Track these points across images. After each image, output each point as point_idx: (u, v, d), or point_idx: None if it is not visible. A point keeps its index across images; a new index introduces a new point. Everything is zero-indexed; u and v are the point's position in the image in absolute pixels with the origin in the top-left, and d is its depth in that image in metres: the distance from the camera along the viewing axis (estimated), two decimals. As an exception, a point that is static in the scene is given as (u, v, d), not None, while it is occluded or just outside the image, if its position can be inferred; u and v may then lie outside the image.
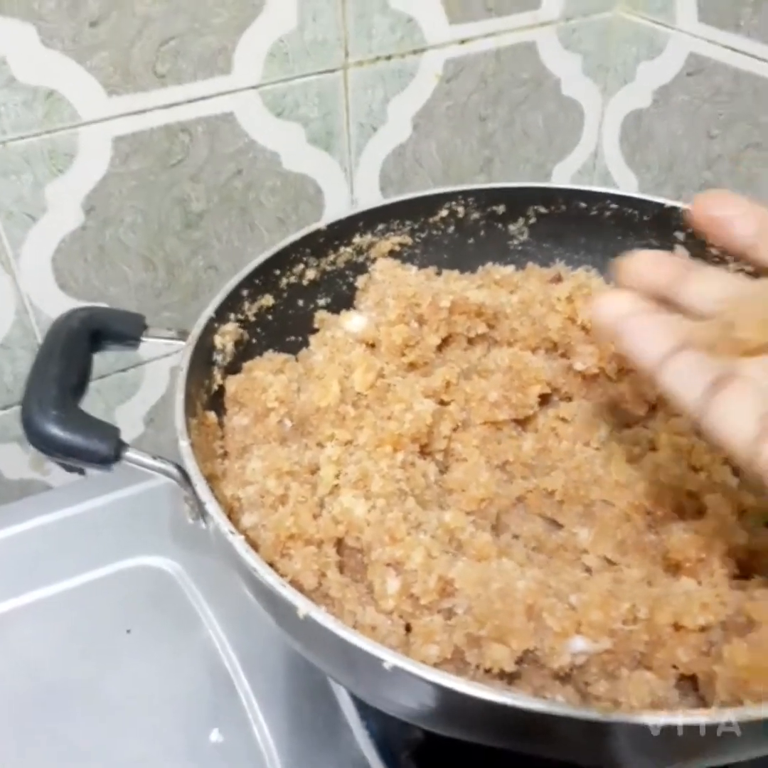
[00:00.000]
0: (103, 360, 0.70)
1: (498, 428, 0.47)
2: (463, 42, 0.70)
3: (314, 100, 0.67)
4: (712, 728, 0.27)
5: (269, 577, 0.32)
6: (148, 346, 0.71)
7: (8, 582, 0.52)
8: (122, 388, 0.73)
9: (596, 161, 0.83)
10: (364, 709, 0.44)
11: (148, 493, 0.58)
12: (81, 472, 0.74)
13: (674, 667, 0.32)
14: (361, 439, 0.44)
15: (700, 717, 0.27)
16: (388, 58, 0.68)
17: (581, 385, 0.49)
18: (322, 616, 0.31)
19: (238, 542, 0.34)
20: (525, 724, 0.29)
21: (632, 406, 0.47)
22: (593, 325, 0.30)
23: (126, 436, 0.75)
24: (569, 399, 0.49)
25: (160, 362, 0.74)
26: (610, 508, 0.42)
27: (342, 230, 0.53)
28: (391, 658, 0.29)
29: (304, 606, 0.31)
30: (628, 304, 0.29)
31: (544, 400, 0.49)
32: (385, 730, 0.43)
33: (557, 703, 0.29)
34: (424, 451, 0.45)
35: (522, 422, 0.48)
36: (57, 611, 0.51)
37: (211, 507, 0.35)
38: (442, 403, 0.47)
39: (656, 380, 0.27)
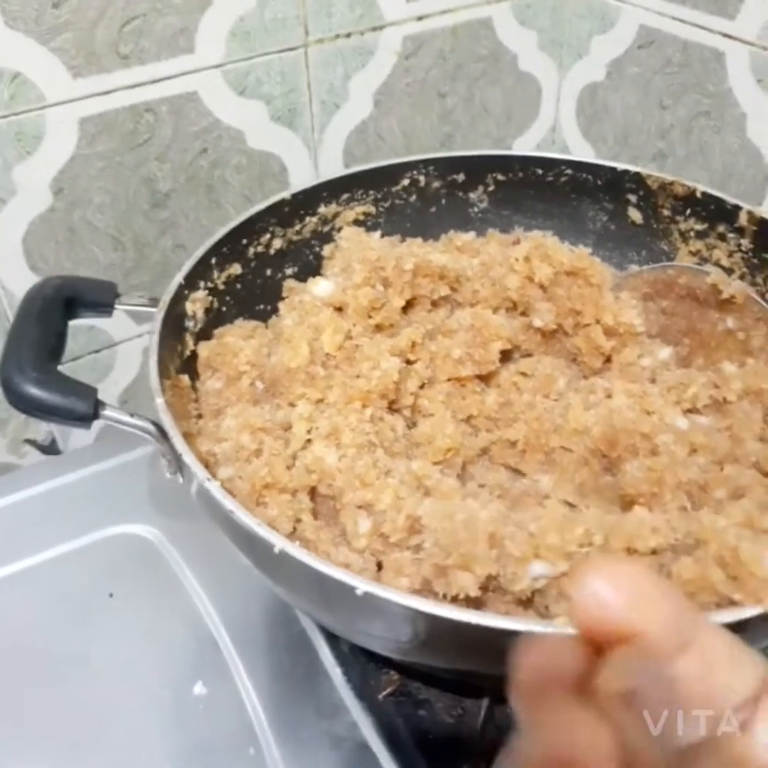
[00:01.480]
0: (75, 342, 0.72)
1: (462, 384, 0.49)
2: (420, 19, 0.72)
3: (276, 78, 0.68)
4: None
5: (245, 518, 0.34)
6: (120, 327, 0.73)
7: (-6, 553, 0.53)
8: (95, 369, 0.74)
9: (555, 135, 0.85)
10: (341, 657, 0.46)
11: (125, 466, 0.59)
12: (57, 453, 0.76)
13: (628, 586, 0.34)
14: (331, 398, 0.45)
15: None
16: (348, 35, 0.69)
17: (540, 341, 0.51)
18: (296, 550, 0.32)
19: (214, 488, 0.35)
20: (488, 644, 0.31)
21: (589, 359, 0.49)
22: None
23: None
24: (529, 355, 0.51)
25: (133, 343, 0.75)
26: (568, 454, 0.45)
27: (307, 200, 0.55)
28: (362, 585, 0.31)
29: (279, 542, 0.33)
30: None
31: (506, 356, 0.51)
32: (362, 675, 0.45)
33: (516, 619, 0.31)
34: (392, 408, 0.47)
35: (485, 378, 0.50)
36: (41, 580, 0.52)
37: (188, 458, 0.37)
38: (408, 362, 0.49)
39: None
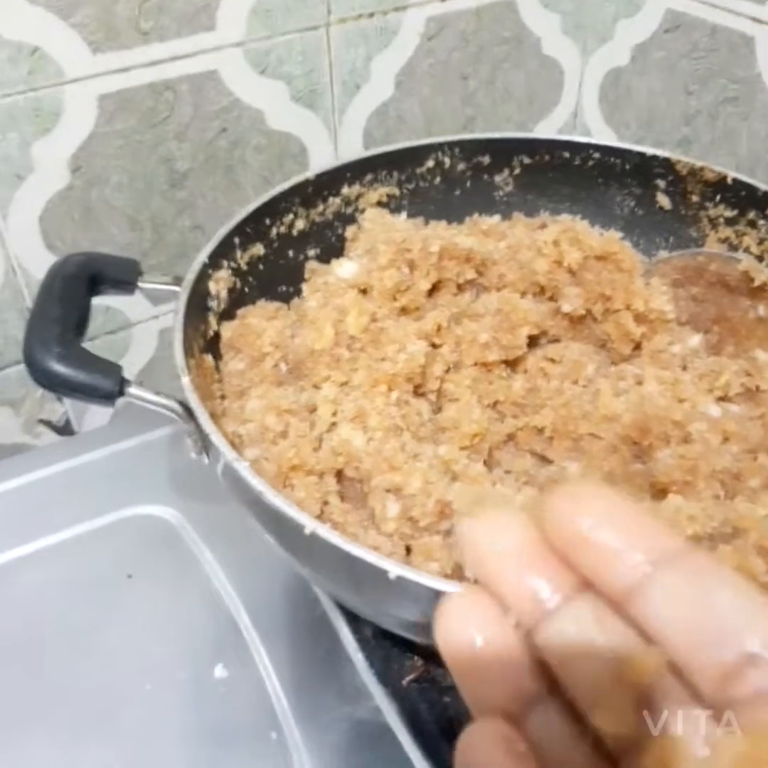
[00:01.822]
0: (91, 322, 0.71)
1: (488, 369, 0.48)
2: (443, 0, 0.71)
3: (297, 58, 0.67)
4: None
5: (275, 499, 0.33)
6: (137, 308, 0.72)
7: (11, 533, 0.52)
8: (112, 349, 0.74)
9: (576, 120, 0.84)
10: (364, 641, 0.46)
11: (145, 446, 0.58)
12: (71, 433, 0.75)
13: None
14: (356, 380, 0.45)
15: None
16: (371, 15, 0.68)
17: (568, 326, 0.50)
18: (327, 532, 0.32)
19: (243, 468, 0.35)
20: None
21: (618, 345, 0.48)
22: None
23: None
24: (557, 340, 0.50)
25: (148, 324, 0.74)
26: (597, 442, 0.44)
27: (330, 180, 0.54)
28: (395, 569, 0.30)
29: (310, 523, 0.32)
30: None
31: (533, 342, 0.50)
32: (385, 660, 0.45)
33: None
34: (418, 392, 0.47)
35: (512, 363, 0.49)
36: (58, 560, 0.52)
37: (216, 438, 0.36)
38: (434, 346, 0.48)
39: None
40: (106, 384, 0.37)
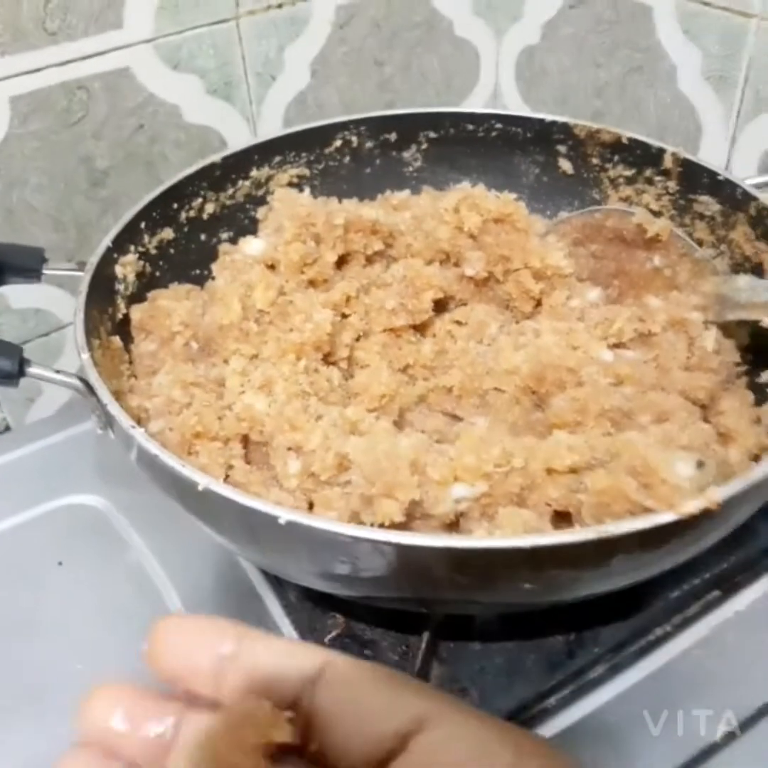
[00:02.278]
0: (24, 325, 0.71)
1: (398, 335, 0.49)
2: (351, -13, 0.72)
3: (209, 52, 0.68)
4: (575, 545, 0.30)
5: (170, 460, 0.34)
6: (68, 308, 0.73)
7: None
8: (47, 351, 0.74)
9: (496, 101, 0.86)
10: (289, 606, 0.47)
11: (72, 439, 0.59)
12: (6, 428, 0.75)
13: (548, 505, 0.34)
14: (265, 353, 0.46)
15: (565, 536, 0.30)
16: (279, 6, 0.69)
17: (474, 290, 0.51)
18: (219, 486, 0.33)
19: (138, 434, 0.35)
20: (409, 565, 0.31)
21: (520, 303, 0.50)
22: None
23: (54, 400, 0.76)
24: (464, 304, 0.52)
25: (82, 325, 0.74)
26: (501, 395, 0.45)
27: (238, 163, 0.55)
28: (285, 514, 0.31)
29: (203, 480, 0.33)
30: None
31: (441, 307, 0.51)
32: (309, 621, 0.45)
33: (434, 537, 0.31)
34: (329, 360, 0.48)
35: (420, 328, 0.50)
36: (-6, 550, 0.52)
37: (113, 408, 0.37)
38: (344, 316, 0.49)
39: None
40: (6, 365, 0.38)
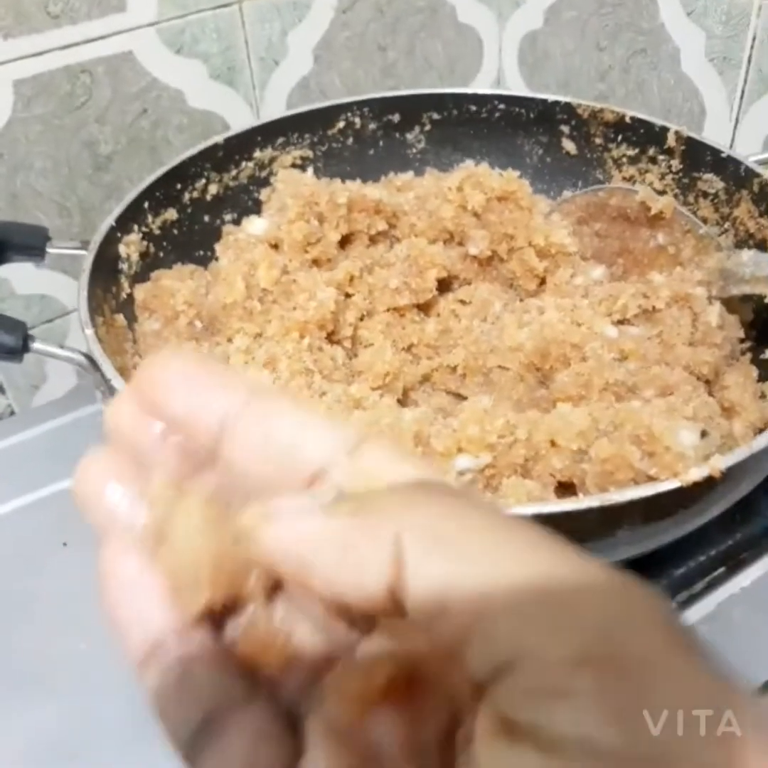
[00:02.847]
0: (28, 312, 0.72)
1: (401, 314, 0.49)
2: (355, -29, 0.72)
3: (212, 36, 0.68)
4: (579, 514, 0.30)
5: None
6: (73, 294, 0.73)
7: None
8: (51, 337, 0.74)
9: (500, 86, 0.86)
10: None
11: (77, 422, 0.59)
12: (11, 413, 0.75)
13: (552, 476, 0.34)
14: (269, 332, 0.46)
15: (568, 504, 0.30)
16: (283, -10, 0.69)
17: (478, 269, 0.51)
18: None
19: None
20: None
21: (524, 282, 0.49)
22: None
23: (59, 387, 0.76)
24: (468, 283, 0.52)
25: (87, 311, 0.75)
26: (505, 373, 0.45)
27: (241, 144, 0.55)
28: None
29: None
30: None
31: (445, 287, 0.51)
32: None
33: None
34: (332, 339, 0.48)
35: (424, 308, 0.50)
36: (-1, 532, 0.52)
37: (117, 382, 0.37)
38: (347, 295, 0.49)
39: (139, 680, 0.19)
40: (9, 340, 0.38)
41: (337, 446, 0.18)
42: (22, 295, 0.70)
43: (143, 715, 0.39)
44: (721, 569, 0.46)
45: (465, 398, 0.47)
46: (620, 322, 0.44)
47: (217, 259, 0.53)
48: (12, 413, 0.75)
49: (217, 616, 0.19)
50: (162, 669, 0.19)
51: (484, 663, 0.15)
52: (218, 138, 0.54)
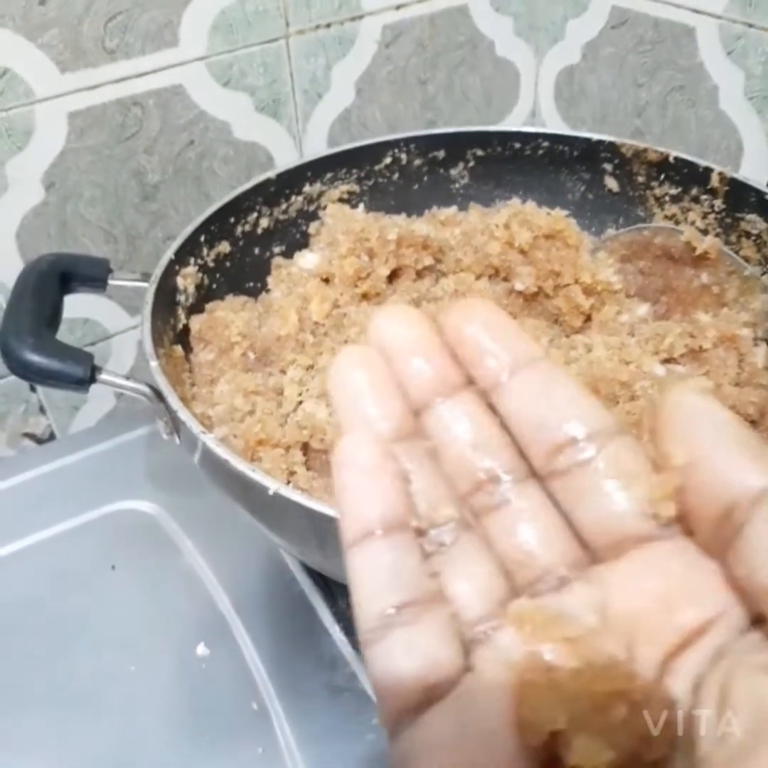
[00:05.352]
0: (72, 335, 0.73)
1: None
2: (398, 8, 0.73)
3: (259, 70, 0.70)
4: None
5: (240, 465, 0.35)
6: (115, 319, 0.74)
7: (2, 531, 0.54)
8: (93, 361, 0.76)
9: (535, 119, 0.87)
10: (339, 614, 0.47)
11: (123, 446, 0.61)
12: (39, 442, 0.77)
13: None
14: (321, 363, 0.47)
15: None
16: (328, 26, 0.71)
17: (523, 304, 0.52)
18: (289, 491, 0.34)
19: (209, 439, 0.36)
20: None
21: (569, 318, 0.50)
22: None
23: (97, 409, 0.77)
24: (514, 318, 0.52)
25: (127, 335, 0.76)
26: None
27: (291, 179, 0.56)
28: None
29: (273, 484, 0.34)
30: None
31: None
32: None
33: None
34: (382, 372, 0.49)
35: (470, 342, 0.51)
36: (44, 556, 0.53)
37: (183, 414, 0.38)
38: (396, 329, 0.50)
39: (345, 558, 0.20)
40: (77, 371, 0.39)
41: (600, 428, 0.20)
42: (66, 319, 0.71)
43: (188, 736, 0.41)
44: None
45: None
46: (667, 361, 0.45)
47: (268, 290, 0.55)
48: (52, 434, 0.76)
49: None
50: (369, 554, 0.20)
51: None
52: (270, 174, 0.55)
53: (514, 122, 0.86)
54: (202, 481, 0.41)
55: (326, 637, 0.46)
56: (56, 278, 0.44)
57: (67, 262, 0.46)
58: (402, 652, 0.18)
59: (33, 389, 0.72)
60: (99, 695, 0.46)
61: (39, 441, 0.76)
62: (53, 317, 0.42)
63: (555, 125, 0.85)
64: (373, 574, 0.19)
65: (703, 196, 0.55)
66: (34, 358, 0.39)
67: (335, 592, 0.48)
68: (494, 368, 0.20)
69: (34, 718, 0.45)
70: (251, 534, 0.40)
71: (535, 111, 0.87)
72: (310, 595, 0.49)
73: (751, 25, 0.64)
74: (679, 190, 0.57)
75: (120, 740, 0.44)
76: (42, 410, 0.74)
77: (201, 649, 0.47)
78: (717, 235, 0.55)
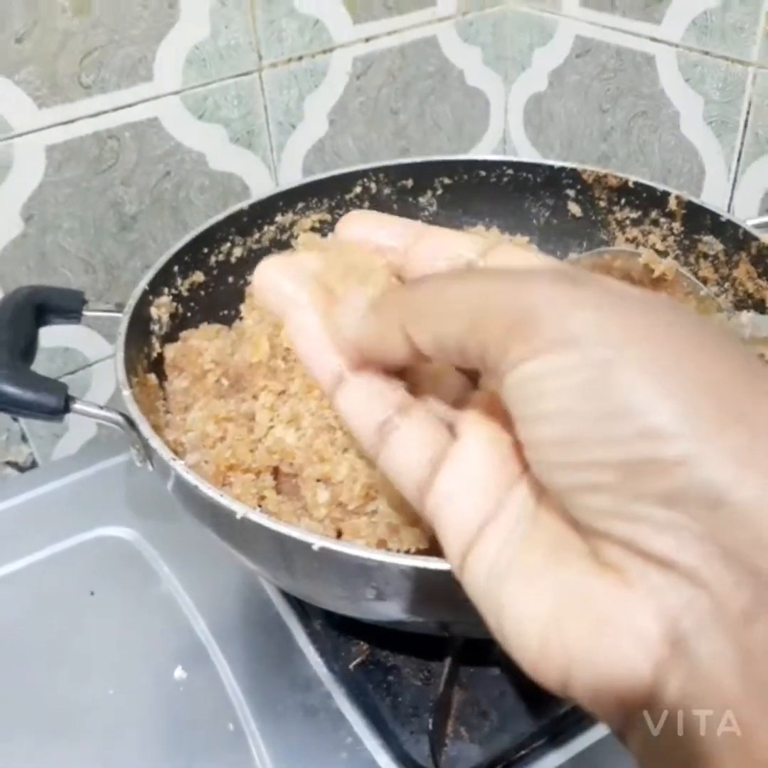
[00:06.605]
0: (52, 364, 0.74)
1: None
2: (368, 40, 0.76)
3: (233, 102, 0.72)
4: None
5: (208, 490, 0.36)
6: (94, 347, 0.76)
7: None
8: (73, 390, 0.76)
9: (506, 146, 0.89)
10: (314, 634, 0.48)
11: (101, 474, 0.61)
12: (21, 470, 0.77)
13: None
14: (292, 389, 0.48)
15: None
16: (300, 58, 0.73)
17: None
18: (257, 515, 0.35)
19: (179, 466, 0.38)
20: (433, 589, 0.33)
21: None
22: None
23: (78, 437, 0.78)
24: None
25: (106, 363, 0.77)
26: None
27: (264, 209, 0.58)
28: (318, 541, 0.33)
29: (240, 509, 0.35)
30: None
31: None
32: (333, 649, 0.47)
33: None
34: (352, 396, 0.50)
35: (439, 365, 0.52)
36: (23, 583, 0.54)
37: (154, 442, 0.39)
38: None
39: (332, 404, 0.27)
40: (51, 401, 0.41)
41: (478, 249, 0.26)
42: (46, 349, 0.73)
43: (166, 757, 0.41)
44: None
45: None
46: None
47: (241, 318, 0.56)
48: (34, 462, 0.77)
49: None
50: (349, 389, 0.26)
51: None
52: (243, 204, 0.57)
53: (485, 149, 0.88)
54: (178, 507, 0.42)
55: (300, 658, 0.47)
56: (31, 311, 0.45)
57: (42, 294, 0.47)
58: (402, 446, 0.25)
59: (15, 419, 0.73)
60: (78, 719, 0.47)
61: (21, 469, 0.77)
62: (28, 349, 0.43)
63: (525, 151, 0.87)
64: (357, 403, 0.26)
65: (662, 219, 0.57)
66: (9, 389, 0.40)
67: (310, 613, 0.49)
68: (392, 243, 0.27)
69: (14, 742, 0.45)
70: (227, 559, 0.41)
71: (505, 137, 0.89)
72: (285, 617, 0.50)
73: (707, 53, 0.66)
74: (640, 213, 0.58)
75: (99, 763, 0.44)
76: (24, 439, 0.75)
77: (178, 673, 0.48)
78: (676, 256, 0.56)
